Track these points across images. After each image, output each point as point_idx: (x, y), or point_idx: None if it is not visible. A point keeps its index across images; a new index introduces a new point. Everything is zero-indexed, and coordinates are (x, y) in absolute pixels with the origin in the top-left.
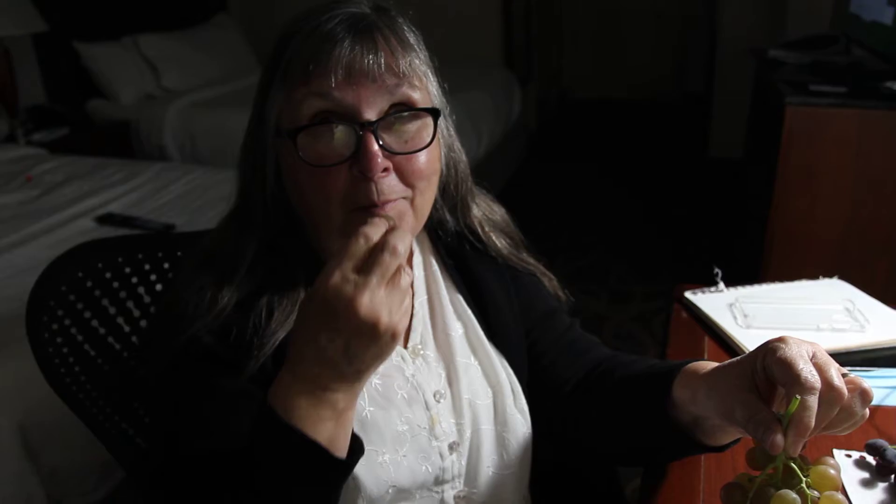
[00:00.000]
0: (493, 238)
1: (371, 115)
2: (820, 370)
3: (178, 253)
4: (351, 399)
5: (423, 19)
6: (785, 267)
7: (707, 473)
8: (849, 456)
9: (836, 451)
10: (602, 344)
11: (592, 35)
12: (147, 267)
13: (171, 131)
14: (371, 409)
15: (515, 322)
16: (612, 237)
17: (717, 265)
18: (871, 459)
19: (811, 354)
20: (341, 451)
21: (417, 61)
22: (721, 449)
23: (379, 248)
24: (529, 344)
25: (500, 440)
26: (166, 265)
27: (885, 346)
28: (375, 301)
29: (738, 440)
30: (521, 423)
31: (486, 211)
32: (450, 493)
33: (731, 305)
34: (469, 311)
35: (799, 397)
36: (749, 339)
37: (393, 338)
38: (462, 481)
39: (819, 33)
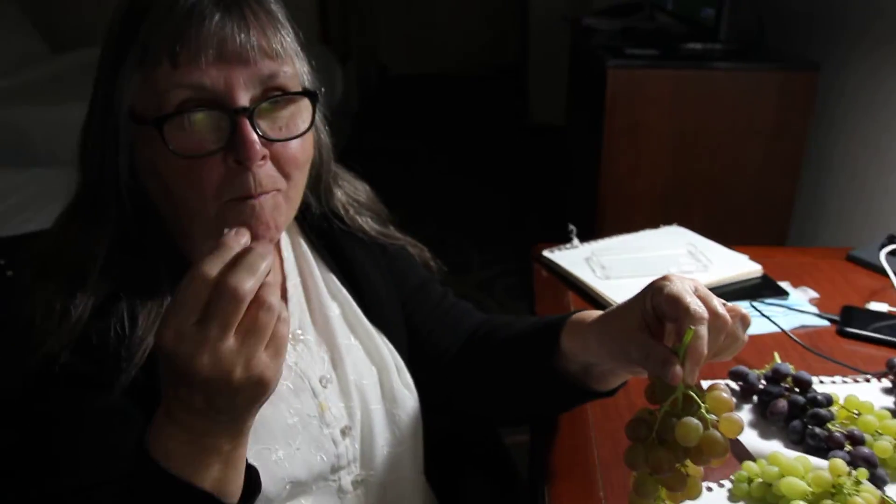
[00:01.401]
0: (359, 220)
1: (245, 99)
2: (704, 301)
3: (0, 262)
4: (237, 440)
5: None
6: (617, 221)
7: (595, 420)
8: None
9: (703, 383)
10: (477, 310)
11: (406, 10)
12: None
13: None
14: None
15: (390, 297)
16: (444, 210)
17: (560, 225)
18: (734, 385)
19: (694, 288)
20: (233, 494)
21: (289, 39)
22: (610, 394)
23: (217, 293)
24: (406, 316)
25: (391, 417)
26: None
27: (728, 282)
28: (220, 357)
29: (624, 383)
30: (408, 398)
31: (349, 192)
32: (346, 479)
33: (587, 259)
34: (344, 291)
35: (691, 328)
36: (610, 290)
37: (260, 385)
38: (358, 465)
39: (627, 1)
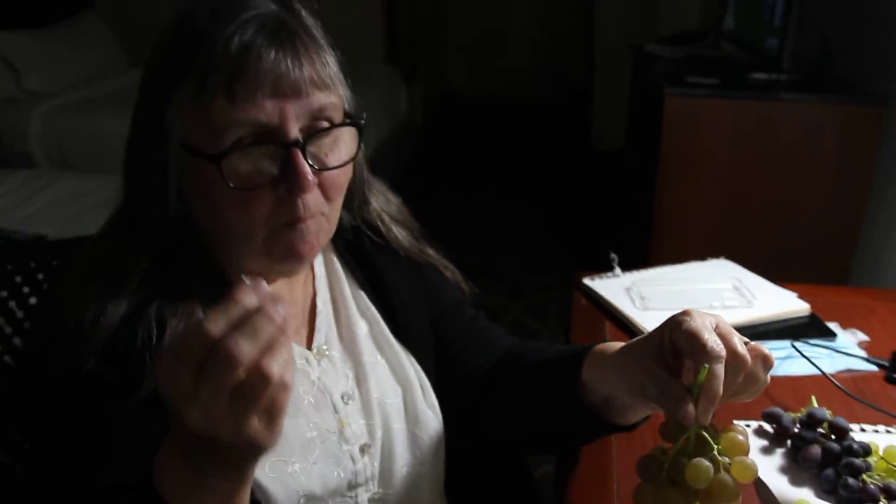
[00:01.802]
0: (394, 230)
1: (296, 131)
2: (724, 339)
3: (54, 262)
4: (239, 482)
5: None
6: (671, 251)
7: (619, 453)
8: (748, 426)
9: (736, 423)
10: (508, 334)
11: (476, 34)
12: (18, 279)
13: (36, 137)
14: None
15: (421, 316)
16: (503, 233)
17: (608, 252)
18: (768, 427)
19: (714, 325)
20: None
21: (335, 66)
22: (631, 428)
23: (215, 353)
24: (437, 337)
25: (413, 438)
26: (40, 276)
27: (772, 319)
28: (210, 417)
29: (646, 419)
30: (432, 419)
31: (382, 203)
32: (363, 496)
33: (627, 289)
34: (373, 308)
35: (707, 366)
36: (647, 321)
37: (252, 447)
38: (376, 483)
39: (690, 29)
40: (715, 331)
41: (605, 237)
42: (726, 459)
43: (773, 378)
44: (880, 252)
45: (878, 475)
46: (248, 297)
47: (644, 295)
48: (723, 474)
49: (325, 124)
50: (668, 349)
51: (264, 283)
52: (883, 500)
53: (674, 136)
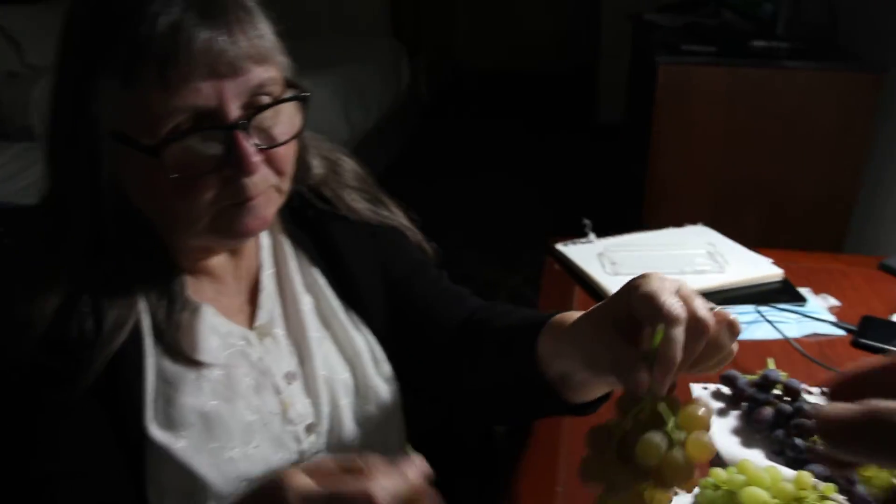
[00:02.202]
0: (343, 195)
1: (236, 112)
2: (685, 301)
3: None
4: None
5: None
6: (663, 220)
7: (571, 424)
8: (705, 388)
9: (693, 385)
10: (472, 295)
11: (483, 7)
12: None
13: (37, 111)
14: (214, 402)
15: (375, 281)
16: (506, 206)
17: (601, 223)
18: (725, 390)
19: (676, 289)
20: None
21: (271, 35)
22: (587, 410)
23: None
24: (398, 298)
25: (362, 412)
26: None
27: (744, 285)
28: None
29: (606, 398)
30: (384, 391)
31: (330, 167)
32: None
33: (600, 255)
34: (321, 281)
35: (661, 329)
36: (616, 286)
37: None
38: (323, 455)
39: None
40: (676, 293)
41: (603, 210)
42: (682, 435)
43: (738, 342)
44: (877, 220)
45: None
46: (414, 474)
47: (615, 260)
48: (676, 452)
49: (267, 100)
50: (624, 315)
51: (425, 465)
52: None
53: (667, 105)
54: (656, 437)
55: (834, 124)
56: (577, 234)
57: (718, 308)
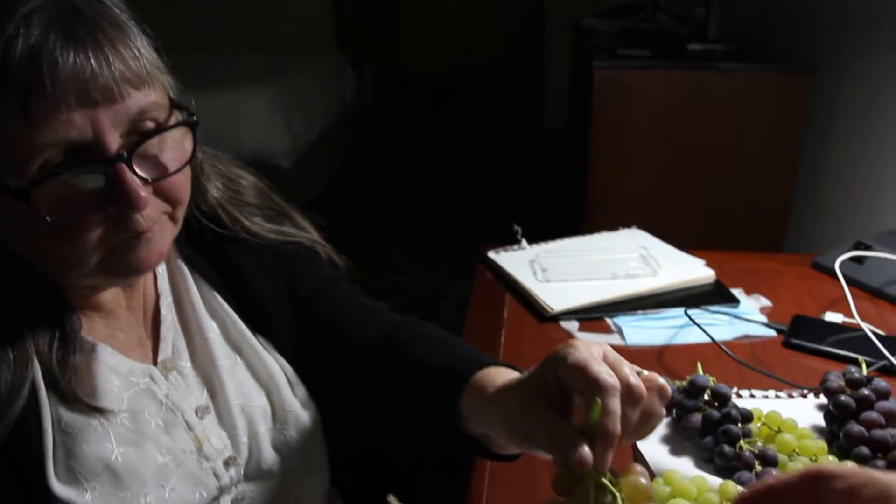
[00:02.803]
0: (240, 217)
1: (116, 143)
2: (615, 369)
3: None
4: None
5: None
6: (605, 224)
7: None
8: None
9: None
10: (388, 310)
11: (428, 16)
12: None
13: None
14: (120, 450)
15: (281, 306)
16: (454, 214)
17: (546, 229)
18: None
19: (602, 355)
20: None
21: (145, 49)
22: (513, 458)
23: None
24: (308, 318)
25: (280, 437)
26: None
27: (675, 288)
28: None
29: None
30: (302, 415)
31: (228, 186)
32: (227, 498)
33: (531, 262)
34: (225, 306)
35: (598, 402)
36: (546, 293)
37: None
38: (241, 485)
39: (629, 2)
40: (604, 360)
41: (549, 215)
42: None
43: (669, 347)
44: (812, 219)
45: (759, 441)
46: None
47: (546, 267)
48: None
49: (150, 125)
50: (554, 388)
51: None
52: (758, 465)
53: (604, 109)
54: None
55: (769, 124)
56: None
57: (646, 373)
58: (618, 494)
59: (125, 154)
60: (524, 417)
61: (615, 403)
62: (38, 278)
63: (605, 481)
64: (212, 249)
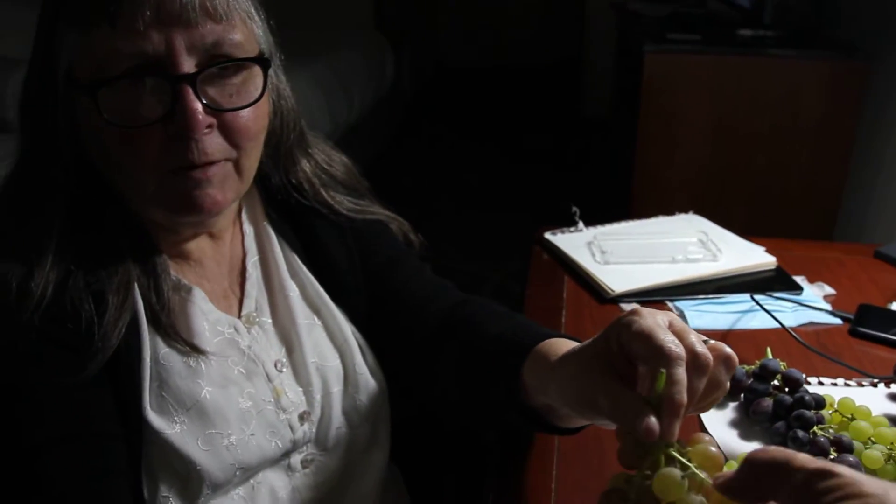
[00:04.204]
0: (324, 194)
1: (188, 66)
2: (680, 338)
3: None
4: None
5: None
6: (651, 211)
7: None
8: None
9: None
10: (455, 288)
11: (468, 2)
12: None
13: (14, 104)
14: (209, 389)
15: (354, 276)
16: (492, 201)
17: (589, 215)
18: None
19: (668, 323)
20: None
21: (245, 1)
22: (576, 431)
23: None
24: (372, 293)
25: (351, 400)
26: None
27: (736, 273)
28: None
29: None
30: (371, 381)
31: (321, 163)
32: (297, 458)
33: (589, 244)
34: (305, 269)
35: (665, 371)
36: (606, 275)
37: None
38: (311, 446)
39: None
40: (669, 328)
41: (591, 202)
42: (704, 475)
43: (732, 331)
44: (863, 209)
45: (832, 428)
46: None
47: (605, 249)
48: (694, 498)
49: (224, 60)
50: (617, 356)
51: None
52: (833, 452)
53: (653, 95)
54: (675, 472)
55: (821, 112)
56: (566, 225)
57: (713, 342)
58: (690, 464)
59: (192, 76)
60: (587, 386)
61: (681, 373)
62: (127, 214)
63: (674, 452)
64: (296, 217)
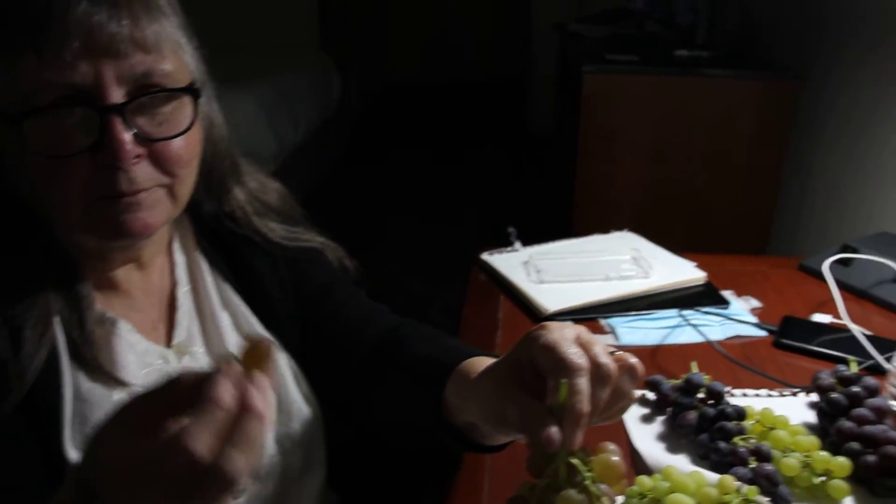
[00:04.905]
0: (256, 221)
1: (117, 96)
2: (585, 349)
3: None
4: None
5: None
6: (590, 229)
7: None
8: None
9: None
10: (390, 312)
11: (415, 20)
12: None
13: None
14: None
15: (287, 303)
16: (439, 220)
17: (533, 233)
18: (651, 395)
19: (575, 336)
20: None
21: (170, 28)
22: (500, 448)
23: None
24: (307, 320)
25: (284, 428)
26: None
27: (667, 289)
28: (198, 460)
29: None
30: (305, 409)
31: (254, 191)
32: None
33: (525, 264)
34: (236, 298)
35: (566, 381)
36: (541, 294)
37: (229, 484)
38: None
39: (616, 8)
40: (576, 341)
41: (535, 220)
42: (603, 486)
43: (662, 346)
44: (794, 223)
45: (752, 438)
46: (226, 392)
47: (540, 268)
48: None
49: (155, 90)
50: (527, 369)
51: (236, 366)
52: (753, 461)
53: (592, 114)
54: (575, 496)
55: (755, 130)
56: (506, 244)
57: (619, 353)
58: (587, 473)
59: (120, 106)
60: (499, 400)
61: (583, 383)
62: (52, 244)
63: (576, 460)
64: (228, 246)
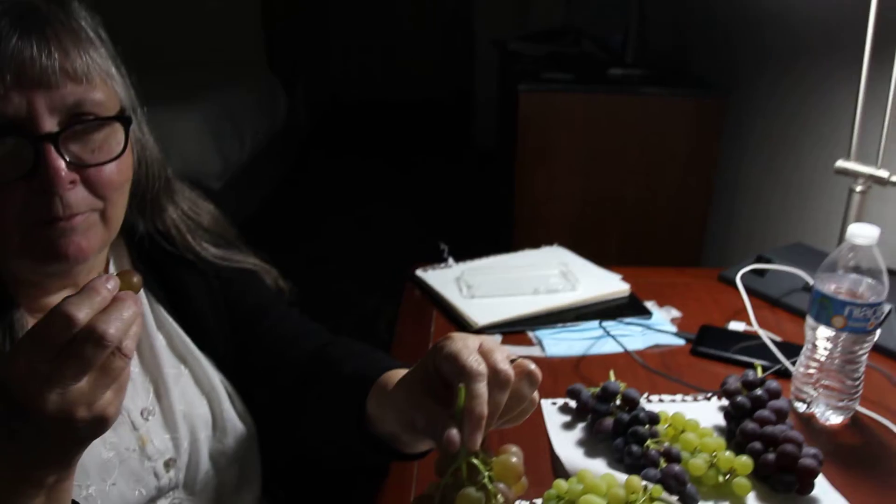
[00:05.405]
0: (191, 240)
1: (50, 125)
2: (485, 356)
3: None
4: (64, 473)
5: (176, 19)
6: (530, 243)
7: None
8: (554, 403)
9: (543, 401)
10: (323, 330)
11: (360, 37)
12: None
13: None
14: None
15: (220, 324)
16: (388, 234)
17: (476, 248)
18: (572, 403)
19: (477, 345)
20: None
21: (99, 59)
22: (422, 456)
23: (84, 336)
24: (240, 341)
25: (219, 445)
26: None
27: (593, 301)
28: (69, 397)
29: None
30: (240, 426)
31: (187, 211)
32: (164, 502)
33: (457, 279)
34: (170, 320)
35: (465, 386)
36: (472, 308)
37: (101, 423)
38: (180, 491)
39: (554, 27)
40: (477, 350)
41: (480, 234)
42: (501, 485)
43: (586, 357)
44: (724, 235)
45: (665, 441)
46: (104, 283)
47: (471, 283)
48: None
49: (89, 118)
50: (434, 378)
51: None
52: (663, 462)
53: (529, 131)
54: (473, 494)
55: (687, 145)
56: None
57: (518, 359)
58: (487, 473)
59: (54, 135)
60: (409, 408)
61: (480, 388)
62: None
63: (476, 461)
64: (161, 267)
